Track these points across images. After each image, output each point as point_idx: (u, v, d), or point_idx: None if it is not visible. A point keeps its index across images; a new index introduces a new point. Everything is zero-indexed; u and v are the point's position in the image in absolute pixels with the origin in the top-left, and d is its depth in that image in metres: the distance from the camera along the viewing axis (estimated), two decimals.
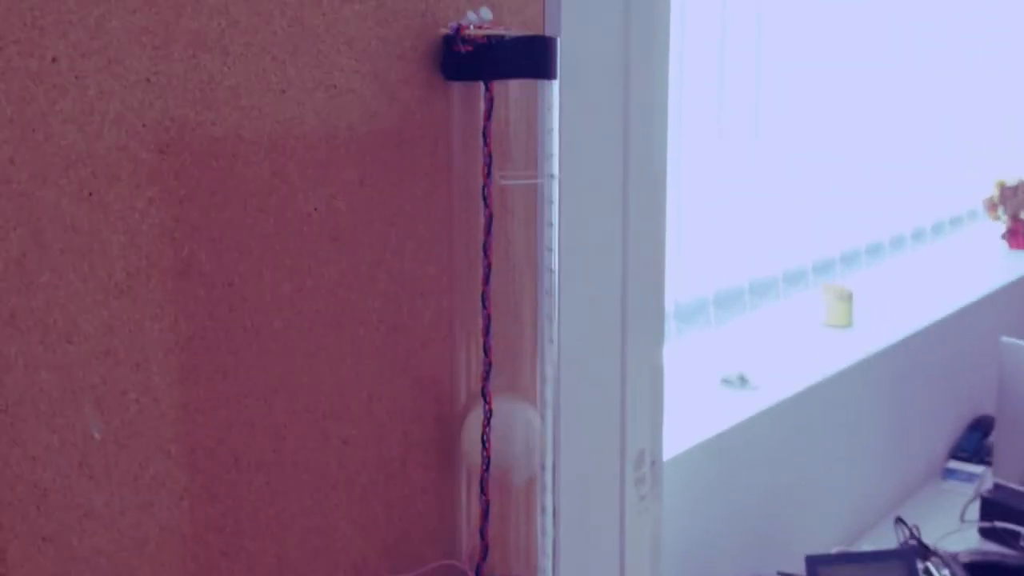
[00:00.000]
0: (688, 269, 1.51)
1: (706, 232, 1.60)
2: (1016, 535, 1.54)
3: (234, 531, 0.56)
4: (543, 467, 0.66)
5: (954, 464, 1.81)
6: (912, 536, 1.44)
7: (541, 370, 0.66)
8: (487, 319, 0.60)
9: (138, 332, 0.50)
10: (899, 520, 1.46)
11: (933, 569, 1.34)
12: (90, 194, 0.48)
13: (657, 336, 0.80)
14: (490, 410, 0.61)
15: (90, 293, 0.48)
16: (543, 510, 0.67)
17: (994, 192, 2.17)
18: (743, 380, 1.54)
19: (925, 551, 1.40)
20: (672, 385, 1.31)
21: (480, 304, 0.60)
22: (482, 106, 0.60)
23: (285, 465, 0.57)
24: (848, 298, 1.68)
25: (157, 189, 0.50)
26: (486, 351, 0.60)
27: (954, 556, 1.36)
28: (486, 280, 0.59)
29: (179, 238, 0.51)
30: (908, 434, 1.73)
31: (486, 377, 0.60)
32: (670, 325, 1.53)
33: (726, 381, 1.54)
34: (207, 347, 0.53)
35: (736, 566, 1.30)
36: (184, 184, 0.51)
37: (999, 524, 1.55)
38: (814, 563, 1.29)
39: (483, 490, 0.62)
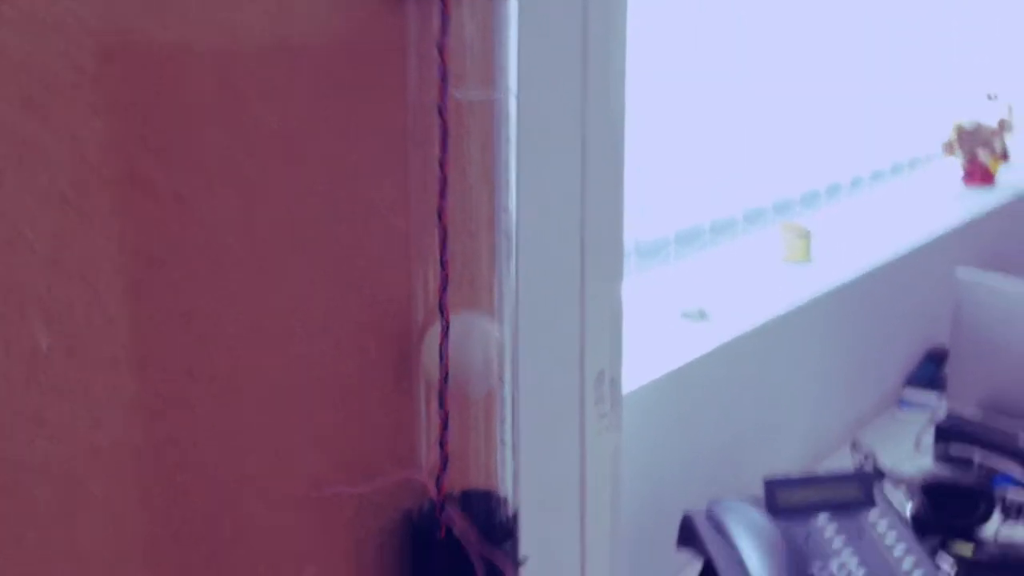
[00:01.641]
0: (649, 208, 1.51)
1: (667, 172, 1.59)
2: (969, 461, 1.56)
3: (189, 444, 0.54)
4: (502, 380, 0.65)
5: (909, 393, 1.83)
6: (867, 459, 1.46)
7: (499, 287, 0.64)
8: (443, 232, 0.58)
9: (85, 244, 0.48)
10: (855, 444, 1.47)
11: (888, 488, 1.35)
12: (30, 99, 0.46)
13: (617, 255, 0.79)
14: (447, 323, 0.59)
15: (34, 202, 0.46)
16: (502, 421, 0.66)
17: (952, 135, 2.17)
18: (703, 314, 1.54)
19: (880, 473, 1.42)
20: (632, 320, 1.31)
21: (436, 218, 0.58)
22: (437, 20, 0.58)
23: (240, 380, 0.56)
24: (806, 236, 1.69)
25: (101, 98, 0.48)
26: (443, 265, 0.59)
27: (909, 478, 1.37)
28: (442, 194, 0.58)
29: (125, 149, 0.49)
30: (865, 365, 1.74)
31: (443, 290, 0.59)
32: (631, 262, 1.52)
33: (686, 315, 1.54)
34: (156, 261, 0.51)
35: (697, 495, 1.31)
36: (129, 94, 0.49)
37: (953, 451, 1.57)
38: (772, 486, 1.30)
39: (442, 403, 0.61)
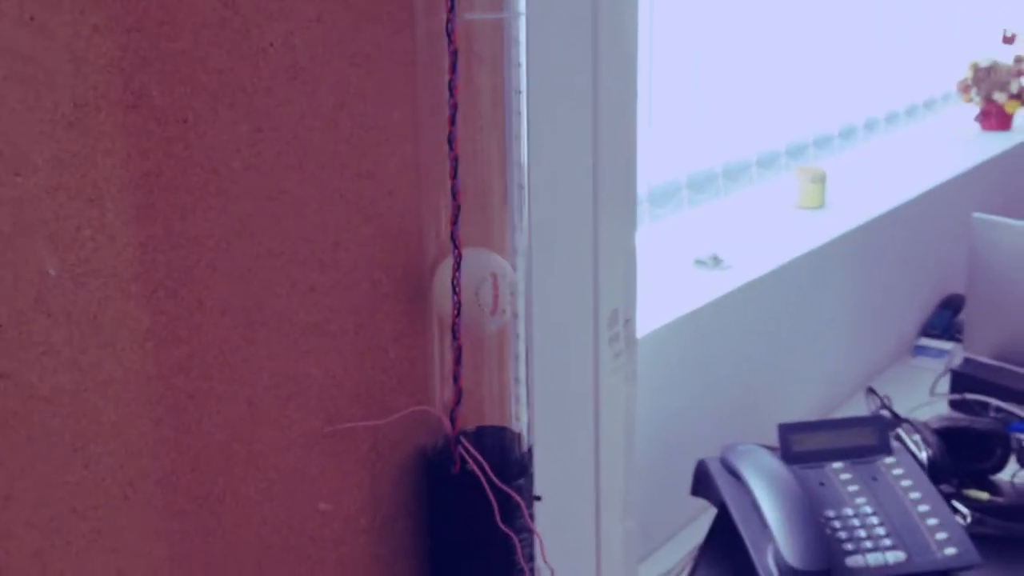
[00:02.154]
0: (660, 152, 1.49)
1: (678, 114, 1.57)
2: (985, 406, 1.55)
3: (201, 374, 0.54)
4: (515, 315, 0.64)
5: (924, 341, 1.81)
6: (883, 405, 1.45)
7: (511, 220, 0.64)
8: (454, 160, 0.57)
9: (90, 167, 0.48)
10: (870, 390, 1.47)
11: (904, 435, 1.35)
12: (31, 18, 0.45)
13: (630, 195, 0.79)
14: (459, 256, 0.59)
15: (37, 124, 0.46)
16: (516, 358, 0.65)
17: (967, 74, 2.14)
18: (716, 260, 1.53)
19: (896, 419, 1.41)
20: (645, 267, 1.30)
21: (447, 146, 0.58)
22: None
23: (251, 309, 0.56)
24: (821, 179, 1.67)
25: (103, 16, 0.47)
26: (454, 194, 0.58)
27: (924, 423, 1.37)
28: (452, 121, 0.57)
29: (128, 69, 0.48)
30: (880, 312, 1.73)
31: (455, 221, 0.58)
32: (643, 210, 1.51)
33: (699, 262, 1.53)
34: (163, 185, 0.51)
35: (711, 442, 1.30)
36: (131, 12, 0.48)
37: (969, 396, 1.56)
38: (787, 432, 1.30)
39: (455, 336, 0.60)
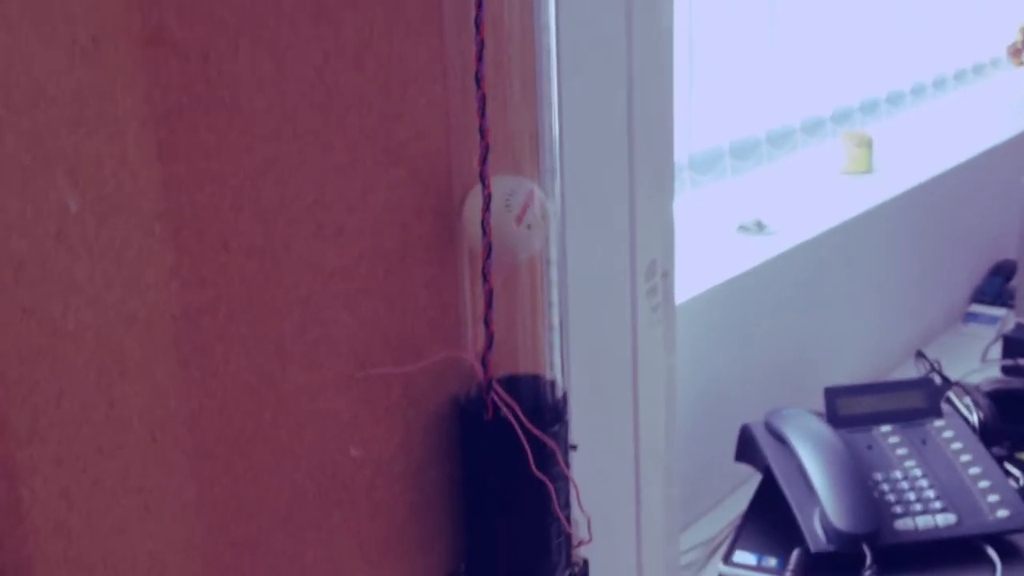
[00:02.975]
0: (703, 120, 1.46)
1: (721, 82, 1.54)
2: None
3: (228, 316, 0.53)
4: (548, 261, 0.63)
5: (976, 308, 1.77)
6: (933, 369, 1.41)
7: (543, 162, 0.62)
8: (482, 99, 0.56)
9: (110, 102, 0.46)
10: (919, 354, 1.43)
11: (954, 398, 1.31)
12: None
13: (668, 139, 0.76)
14: (488, 193, 0.57)
15: (54, 57, 0.45)
16: (549, 305, 0.64)
17: (1018, 37, 2.07)
18: (760, 226, 1.49)
19: (946, 382, 1.37)
20: (688, 233, 1.27)
21: (475, 85, 0.56)
22: None
23: (278, 252, 0.54)
24: (868, 144, 1.62)
25: None
26: (483, 133, 0.56)
27: (976, 386, 1.32)
28: (479, 58, 0.55)
29: (146, 2, 0.47)
30: (929, 279, 1.68)
31: (484, 160, 0.57)
32: (684, 177, 1.48)
33: (743, 228, 1.50)
34: (185, 123, 0.49)
35: (756, 408, 1.27)
36: None
37: (1022, 361, 1.52)
38: (834, 395, 1.26)
39: (485, 278, 0.58)
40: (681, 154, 1.42)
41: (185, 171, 0.50)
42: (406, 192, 0.59)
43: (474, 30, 0.55)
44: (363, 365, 0.59)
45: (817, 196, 1.55)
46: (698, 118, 1.43)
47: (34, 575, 0.47)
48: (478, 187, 0.58)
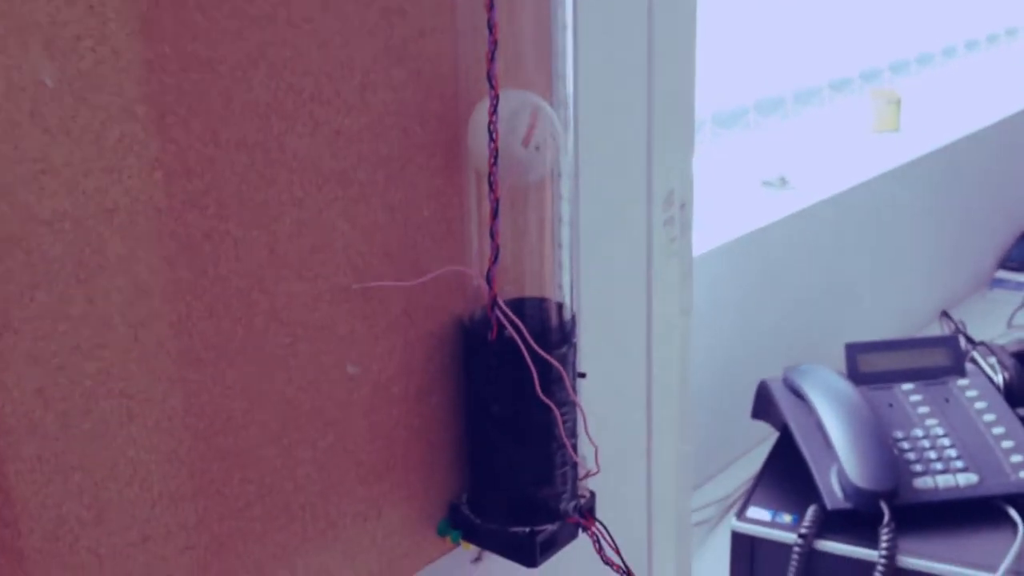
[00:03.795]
0: (727, 77, 1.41)
1: (746, 39, 1.49)
2: None
3: (217, 213, 0.50)
4: (559, 174, 0.59)
5: (1002, 274, 1.72)
6: (958, 330, 1.37)
7: (555, 67, 0.58)
8: None
9: None
10: (944, 314, 1.39)
11: (979, 358, 1.26)
12: None
13: (689, 58, 0.72)
14: (496, 96, 0.53)
15: None
16: (559, 221, 0.60)
17: None
18: (784, 182, 1.45)
19: (971, 342, 1.33)
20: (708, 187, 1.23)
21: None
22: None
23: (271, 148, 0.51)
24: (896, 102, 1.57)
25: None
26: (491, 28, 0.52)
27: (1001, 346, 1.28)
28: None
29: None
30: (956, 241, 1.63)
31: (491, 59, 0.53)
32: (706, 131, 1.43)
33: (767, 184, 1.46)
34: None
35: (775, 365, 1.23)
36: None
37: None
38: (854, 351, 1.22)
39: (492, 187, 0.55)
40: (705, 110, 1.38)
41: (170, 52, 0.46)
42: (408, 95, 0.56)
43: None
44: (361, 277, 0.56)
45: (843, 153, 1.50)
46: (724, 78, 1.39)
47: (6, 475, 0.44)
48: (485, 100, 0.54)
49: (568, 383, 0.59)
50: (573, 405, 0.60)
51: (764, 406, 1.22)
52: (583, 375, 0.63)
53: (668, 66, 0.70)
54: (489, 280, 0.57)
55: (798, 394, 1.16)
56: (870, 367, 1.20)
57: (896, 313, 1.52)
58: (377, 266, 0.57)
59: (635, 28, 0.67)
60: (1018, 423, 1.15)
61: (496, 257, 0.56)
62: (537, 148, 0.56)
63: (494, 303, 0.57)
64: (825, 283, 1.39)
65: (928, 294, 1.58)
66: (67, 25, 0.43)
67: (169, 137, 0.47)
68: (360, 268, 0.56)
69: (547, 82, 0.58)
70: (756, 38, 1.46)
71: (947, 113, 1.68)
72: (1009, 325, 1.53)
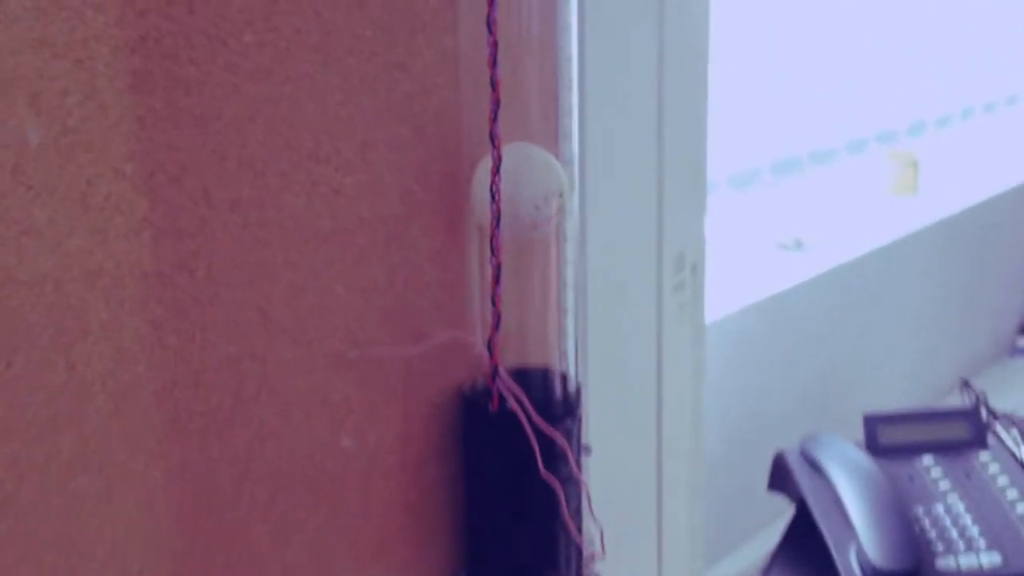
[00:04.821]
0: (743, 137, 1.41)
1: (763, 99, 1.49)
2: None
3: (207, 276, 0.48)
4: (564, 236, 0.58)
5: None
6: (979, 400, 1.35)
7: (561, 124, 0.57)
8: (494, 47, 0.51)
9: (78, 21, 0.42)
10: (965, 384, 1.36)
11: (1001, 431, 1.24)
12: None
13: (701, 114, 0.71)
14: (499, 154, 0.52)
15: None
16: (565, 286, 0.59)
17: None
18: (800, 245, 1.44)
19: (992, 415, 1.31)
20: (723, 250, 1.22)
21: (486, 30, 0.51)
22: None
23: (266, 208, 0.50)
24: (914, 164, 1.57)
25: None
26: (493, 86, 0.52)
27: (1023, 420, 1.26)
28: (492, 1, 0.51)
29: None
30: (977, 308, 1.62)
31: (494, 117, 0.52)
32: (721, 193, 1.43)
33: (782, 246, 1.45)
34: (163, 52, 0.45)
35: (791, 434, 1.21)
36: None
37: None
38: (873, 422, 1.20)
39: (493, 251, 0.54)
40: (720, 172, 1.38)
41: (162, 107, 0.46)
42: (410, 153, 0.55)
43: None
44: (358, 343, 0.55)
45: (860, 215, 1.50)
46: (739, 138, 1.39)
47: None
48: (488, 159, 0.53)
49: (572, 459, 0.57)
50: (577, 482, 0.58)
51: (781, 478, 1.20)
52: (588, 451, 0.61)
53: (679, 124, 0.70)
54: (490, 349, 0.55)
55: (816, 467, 1.14)
56: (889, 439, 1.18)
57: (915, 380, 1.50)
58: (375, 332, 0.55)
59: (645, 86, 0.67)
60: None
61: (498, 324, 0.55)
62: (539, 206, 0.55)
63: (495, 373, 0.56)
64: (842, 349, 1.37)
65: (948, 361, 1.56)
66: (54, 79, 0.42)
67: (159, 197, 0.46)
68: (356, 334, 0.55)
69: (553, 140, 0.57)
70: (772, 98, 1.46)
71: (965, 176, 1.67)
72: None
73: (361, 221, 0.54)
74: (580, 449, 0.59)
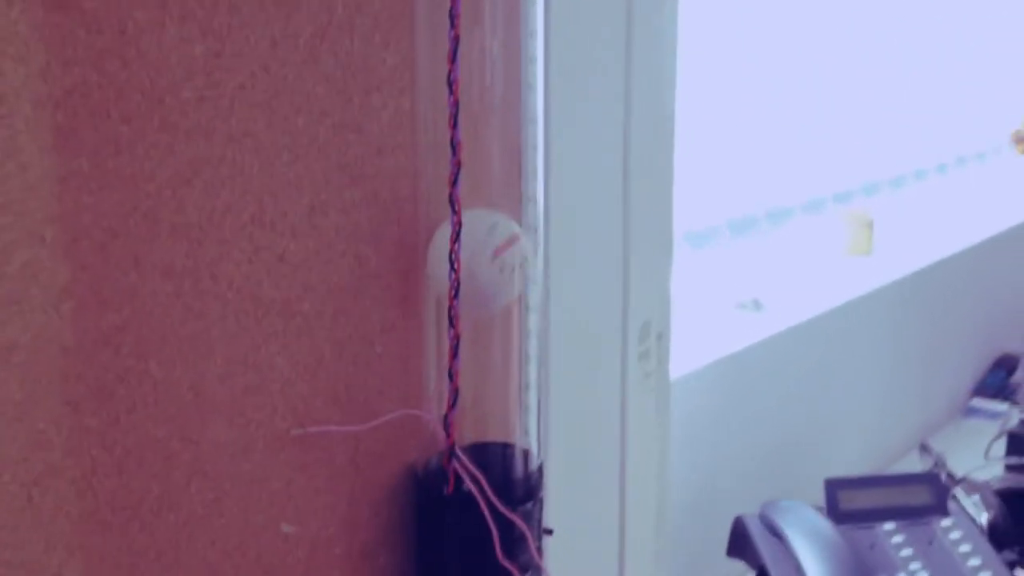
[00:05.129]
0: (699, 196, 1.39)
1: (719, 161, 1.47)
2: None
3: (134, 352, 0.43)
4: (527, 307, 0.54)
5: (978, 402, 1.68)
6: (938, 464, 1.32)
7: (524, 188, 0.53)
8: (455, 107, 0.47)
9: None
10: (924, 448, 1.34)
11: (961, 496, 1.21)
12: None
13: (667, 180, 0.68)
14: (459, 221, 0.48)
15: None
16: (527, 360, 0.54)
17: (1022, 125, 2.03)
18: (758, 305, 1.41)
19: (953, 479, 1.28)
20: (681, 310, 1.17)
21: (447, 88, 0.47)
22: None
23: (202, 276, 0.45)
24: (869, 224, 1.55)
25: None
26: (453, 148, 0.48)
27: (985, 483, 1.23)
28: (452, 57, 0.47)
29: None
30: (931, 369, 1.60)
31: (454, 181, 0.48)
32: (679, 251, 1.40)
33: (741, 306, 1.42)
34: (91, 108, 0.41)
35: (750, 498, 1.17)
36: None
37: None
38: (834, 487, 1.17)
39: (452, 322, 0.49)
40: (678, 229, 1.35)
41: (88, 167, 0.41)
42: (364, 217, 0.50)
43: (448, 24, 0.47)
44: (301, 421, 0.50)
45: (817, 275, 1.47)
46: (695, 197, 1.36)
47: None
48: (446, 226, 0.49)
49: (532, 544, 0.53)
50: (538, 570, 0.53)
51: (740, 544, 1.16)
52: (550, 532, 0.56)
53: (645, 188, 0.66)
54: (447, 426, 0.51)
55: (776, 533, 1.10)
56: (850, 504, 1.15)
57: (873, 442, 1.47)
58: (320, 408, 0.50)
59: (611, 149, 0.63)
60: (1004, 568, 1.09)
61: (455, 401, 0.50)
62: (501, 270, 0.51)
63: (452, 452, 0.51)
64: (801, 410, 1.34)
65: (905, 422, 1.53)
66: None
67: (82, 264, 0.41)
68: (300, 411, 0.50)
69: (516, 206, 0.53)
70: (729, 156, 1.44)
71: (920, 236, 1.66)
72: (986, 456, 1.48)
73: (307, 290, 0.49)
74: (541, 532, 0.55)
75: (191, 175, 0.44)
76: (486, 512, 0.51)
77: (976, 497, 1.22)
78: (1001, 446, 1.48)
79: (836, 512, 1.14)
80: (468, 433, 0.54)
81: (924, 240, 1.65)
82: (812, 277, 1.47)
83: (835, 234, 1.56)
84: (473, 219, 0.50)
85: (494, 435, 0.56)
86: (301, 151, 0.47)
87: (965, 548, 1.13)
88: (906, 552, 1.12)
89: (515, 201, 0.53)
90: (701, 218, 1.41)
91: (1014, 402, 1.61)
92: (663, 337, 0.70)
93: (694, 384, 1.16)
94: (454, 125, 0.47)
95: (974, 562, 1.11)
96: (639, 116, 0.62)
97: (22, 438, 0.40)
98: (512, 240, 0.50)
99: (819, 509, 1.14)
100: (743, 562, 1.16)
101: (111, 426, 0.43)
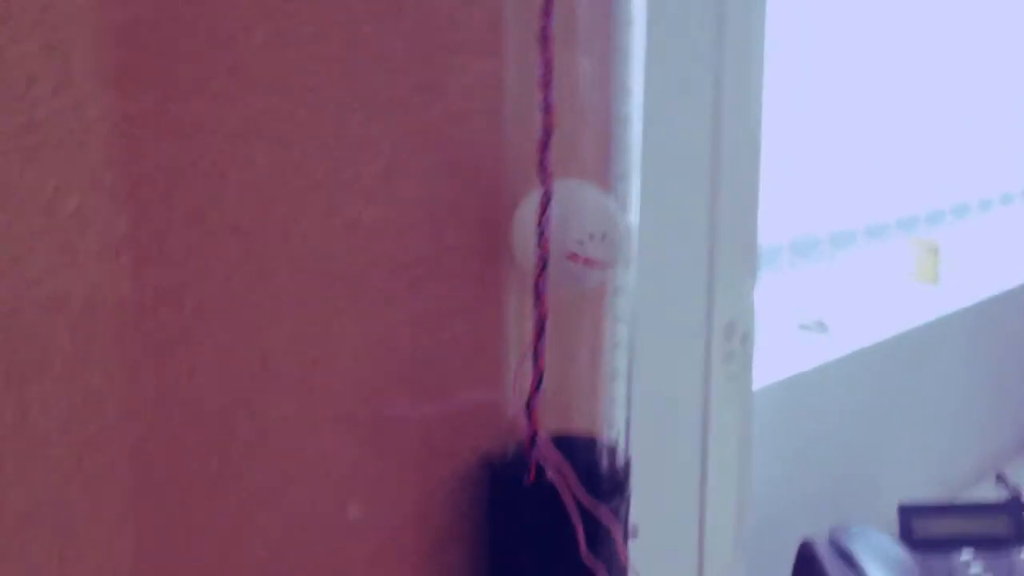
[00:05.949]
0: (762, 215, 1.32)
1: (782, 181, 1.40)
2: None
3: (196, 310, 0.38)
4: (617, 290, 0.47)
5: None
6: (1015, 494, 1.22)
7: (615, 166, 0.47)
8: (547, 65, 0.42)
9: (47, 3, 0.33)
10: (1000, 477, 1.24)
11: None
12: None
13: (753, 183, 0.61)
14: (548, 189, 0.42)
15: None
16: (615, 346, 0.48)
17: None
18: (822, 326, 1.33)
19: None
20: None
21: (539, 46, 0.42)
22: None
23: (271, 236, 0.40)
24: (935, 251, 1.47)
25: None
26: (546, 109, 0.42)
27: None
28: (547, 11, 0.41)
29: None
30: (1000, 397, 1.50)
31: (544, 146, 0.42)
32: None
33: (804, 327, 1.34)
34: (156, 44, 0.35)
35: (815, 520, 1.09)
36: None
37: None
38: (909, 513, 1.08)
39: (538, 300, 0.43)
40: None
41: (151, 109, 0.36)
42: (444, 185, 0.45)
43: None
44: (371, 400, 0.44)
45: (882, 299, 1.39)
46: (761, 215, 1.29)
47: None
48: (534, 194, 0.43)
49: (620, 542, 0.46)
50: (623, 571, 0.47)
51: (807, 568, 1.07)
52: (636, 531, 0.50)
53: (733, 184, 0.60)
54: (529, 411, 0.45)
55: (847, 559, 1.01)
56: (925, 532, 1.06)
57: (942, 470, 1.37)
58: (392, 389, 0.45)
59: (699, 144, 0.57)
60: None
61: (539, 384, 0.44)
62: (581, 243, 0.45)
63: (534, 439, 0.45)
64: (866, 434, 1.25)
65: (975, 450, 1.43)
66: (17, 62, 0.33)
67: (143, 212, 0.36)
68: (371, 389, 0.44)
69: (606, 180, 0.47)
70: (792, 177, 1.37)
71: (985, 265, 1.57)
72: None
73: (381, 259, 0.43)
74: (627, 531, 0.48)
75: (260, 126, 0.39)
76: (571, 506, 0.45)
77: None
78: None
79: (910, 539, 1.05)
80: (548, 423, 0.48)
81: (990, 269, 1.56)
82: (879, 302, 1.39)
83: (901, 260, 1.47)
84: (560, 192, 0.44)
85: (576, 427, 0.49)
86: (377, 111, 0.42)
87: None
88: None
89: (605, 175, 0.47)
90: (763, 236, 1.34)
91: None
92: (748, 339, 0.63)
93: (759, 402, 1.09)
94: (547, 85, 0.41)
95: None
96: (730, 107, 0.56)
97: (74, 398, 0.35)
98: (600, 212, 0.44)
99: (891, 535, 1.05)
100: None
101: (170, 391, 0.38)
